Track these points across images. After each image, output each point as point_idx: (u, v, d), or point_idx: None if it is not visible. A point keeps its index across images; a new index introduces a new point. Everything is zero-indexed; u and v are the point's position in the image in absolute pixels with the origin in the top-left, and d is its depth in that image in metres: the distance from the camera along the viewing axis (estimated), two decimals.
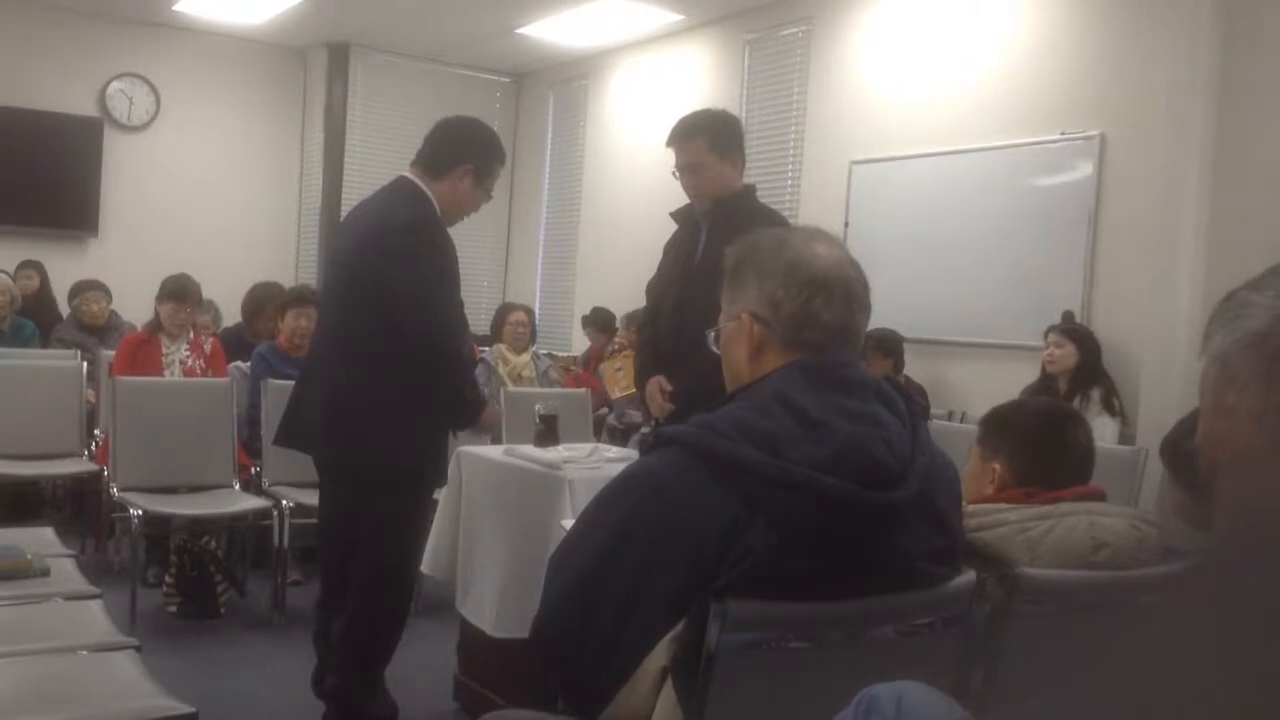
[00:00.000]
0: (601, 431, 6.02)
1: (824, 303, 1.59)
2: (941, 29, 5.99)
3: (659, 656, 1.44)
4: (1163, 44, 4.97)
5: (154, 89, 8.51)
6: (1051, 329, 4.91)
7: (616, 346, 6.83)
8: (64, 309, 6.86)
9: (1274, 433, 0.79)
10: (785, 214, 5.41)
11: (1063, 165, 5.34)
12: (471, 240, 8.43)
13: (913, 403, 1.64)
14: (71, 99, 8.19)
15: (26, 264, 7.15)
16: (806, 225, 1.87)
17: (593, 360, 7.15)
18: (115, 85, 8.39)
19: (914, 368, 5.51)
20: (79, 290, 6.59)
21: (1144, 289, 4.95)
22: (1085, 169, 5.23)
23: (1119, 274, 5.09)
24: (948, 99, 5.90)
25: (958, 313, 5.64)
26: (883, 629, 1.56)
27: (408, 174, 3.25)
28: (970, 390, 5.54)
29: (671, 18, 7.43)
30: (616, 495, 1.54)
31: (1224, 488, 0.84)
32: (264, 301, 6.03)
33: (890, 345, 5.37)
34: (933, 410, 5.32)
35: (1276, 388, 0.79)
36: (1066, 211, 5.28)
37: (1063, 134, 5.30)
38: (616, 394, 6.24)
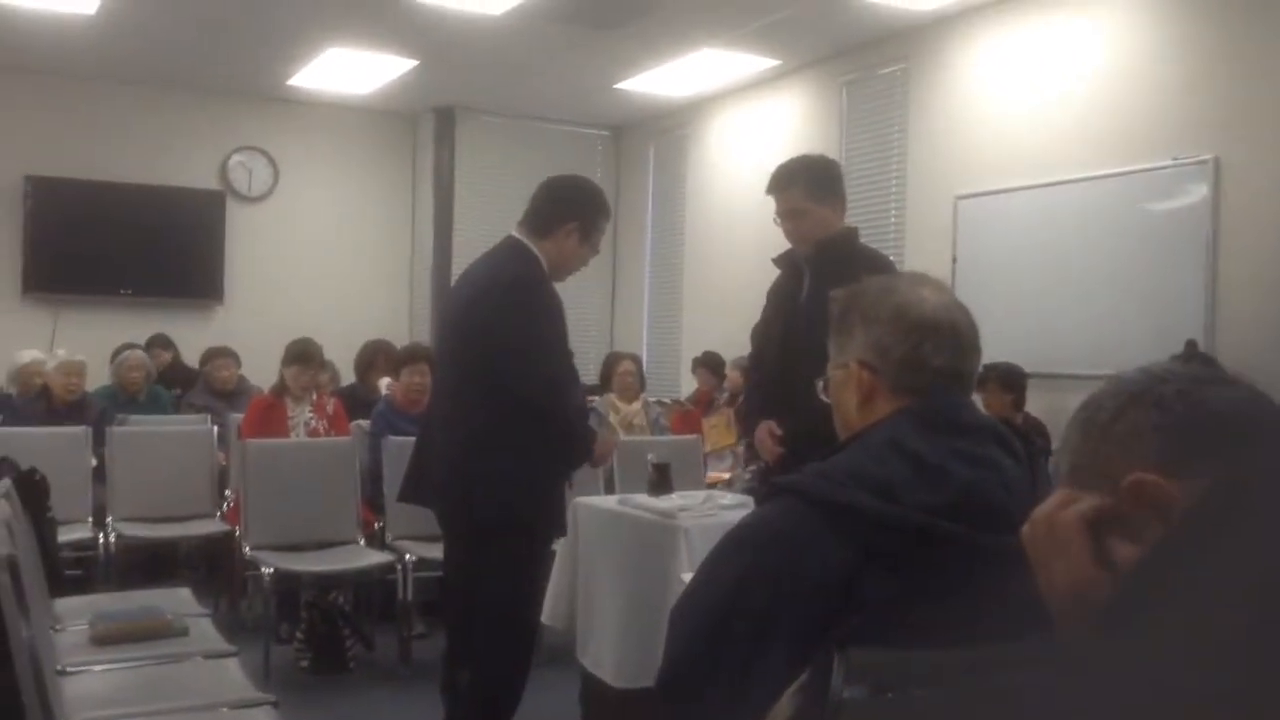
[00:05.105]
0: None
1: (933, 347, 1.59)
2: (1041, 58, 5.91)
3: (784, 708, 1.44)
4: (1274, 62, 4.84)
5: (271, 160, 8.87)
6: (1174, 359, 4.77)
7: (726, 396, 6.84)
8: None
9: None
10: (890, 253, 5.37)
11: (1175, 190, 5.21)
12: (577, 291, 8.52)
13: (1030, 444, 1.62)
14: (195, 173, 8.59)
15: (156, 339, 7.44)
16: (912, 270, 1.88)
17: (700, 402, 7.17)
18: (235, 158, 8.77)
19: (1033, 402, 5.40)
20: (209, 357, 6.88)
21: (1272, 312, 4.78)
22: (1200, 192, 5.08)
23: (1243, 299, 4.93)
24: (1051, 129, 5.81)
25: (1073, 345, 5.50)
26: (1008, 675, 1.53)
27: (515, 233, 3.32)
28: None
29: (768, 64, 7.48)
30: (735, 547, 1.55)
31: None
32: (374, 356, 6.32)
33: (1013, 380, 5.25)
34: (1054, 447, 5.19)
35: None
36: (1182, 236, 5.14)
37: (1174, 160, 5.17)
38: (708, 448, 6.26)
